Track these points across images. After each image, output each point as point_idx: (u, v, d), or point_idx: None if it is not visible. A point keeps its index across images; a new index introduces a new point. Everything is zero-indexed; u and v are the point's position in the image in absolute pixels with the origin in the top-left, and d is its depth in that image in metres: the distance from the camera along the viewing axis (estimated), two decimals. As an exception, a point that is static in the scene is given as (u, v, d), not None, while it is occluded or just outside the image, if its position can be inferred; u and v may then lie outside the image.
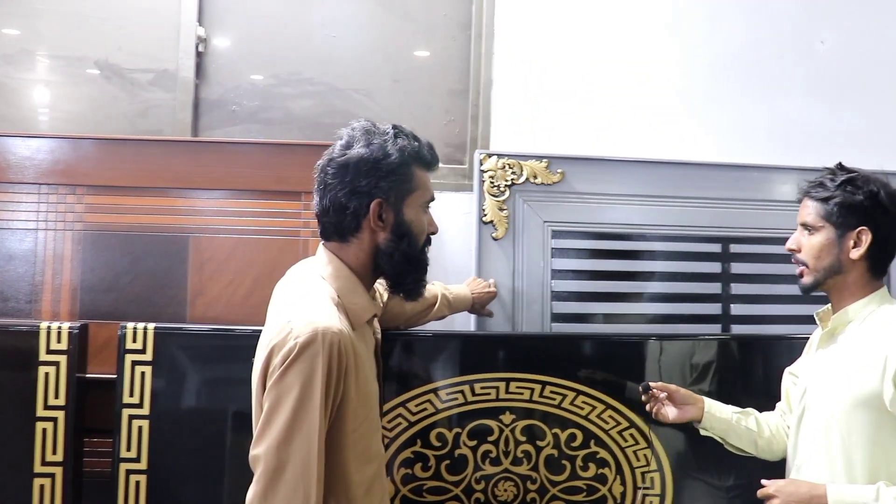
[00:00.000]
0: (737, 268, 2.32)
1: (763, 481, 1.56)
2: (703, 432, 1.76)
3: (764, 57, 2.54)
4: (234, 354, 1.86)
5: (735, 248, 2.32)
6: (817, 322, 1.68)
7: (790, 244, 1.65)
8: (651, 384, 1.76)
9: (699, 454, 2.01)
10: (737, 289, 2.31)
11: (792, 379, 1.77)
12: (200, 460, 1.85)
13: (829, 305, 1.67)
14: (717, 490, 2.03)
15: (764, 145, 2.49)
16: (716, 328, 2.29)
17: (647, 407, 1.78)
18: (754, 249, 2.32)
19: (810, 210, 1.60)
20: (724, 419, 1.74)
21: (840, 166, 1.63)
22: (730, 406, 1.78)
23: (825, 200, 1.58)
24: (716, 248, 2.31)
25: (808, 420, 1.61)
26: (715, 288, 2.30)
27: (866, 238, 1.55)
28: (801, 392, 1.65)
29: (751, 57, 2.54)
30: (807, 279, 1.62)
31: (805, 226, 1.62)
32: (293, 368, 1.24)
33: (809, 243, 1.60)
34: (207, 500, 1.84)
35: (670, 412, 1.75)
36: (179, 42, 2.39)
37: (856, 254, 1.56)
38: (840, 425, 1.52)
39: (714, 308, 2.30)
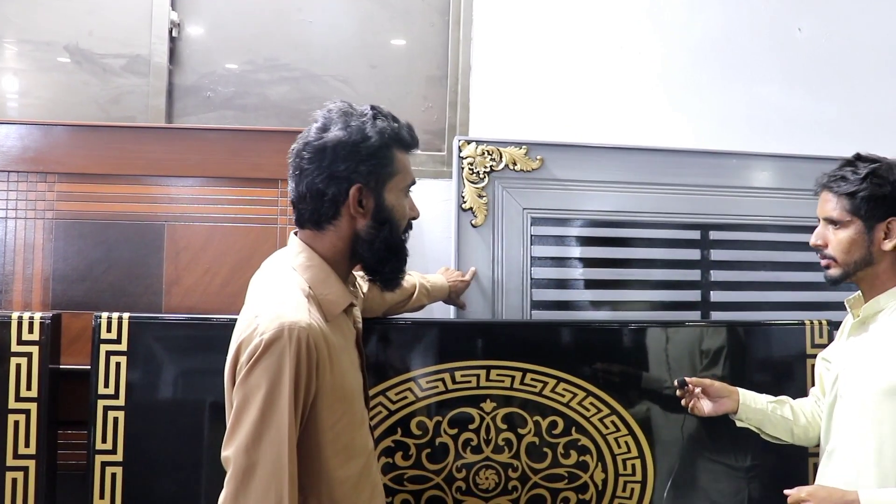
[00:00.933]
0: (716, 254, 2.32)
1: (787, 491, 1.52)
2: (739, 424, 1.76)
3: (743, 44, 2.54)
4: (211, 344, 1.83)
5: (714, 234, 2.32)
6: (848, 309, 1.69)
7: (816, 240, 1.63)
8: (687, 379, 1.74)
9: (680, 440, 2.02)
10: (716, 275, 2.31)
11: (825, 364, 1.76)
12: (178, 451, 1.82)
13: (858, 293, 1.67)
14: (698, 475, 2.04)
15: (743, 132, 2.49)
16: (695, 315, 2.29)
17: (683, 402, 1.77)
18: (733, 236, 2.33)
19: (835, 205, 1.58)
20: (759, 409, 1.73)
21: (859, 156, 1.61)
22: (764, 395, 1.77)
23: (851, 195, 1.56)
24: (695, 234, 2.31)
25: (840, 406, 1.62)
26: (694, 275, 2.31)
27: (888, 230, 1.56)
28: (834, 378, 1.65)
29: (730, 44, 2.54)
30: (835, 272, 1.60)
31: (831, 221, 1.60)
32: (259, 366, 1.19)
33: (837, 238, 1.58)
34: (185, 492, 1.82)
35: (706, 406, 1.74)
36: (152, 27, 2.34)
37: (888, 245, 1.56)
38: (871, 412, 1.53)
39: (693, 295, 2.30)
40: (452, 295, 2.07)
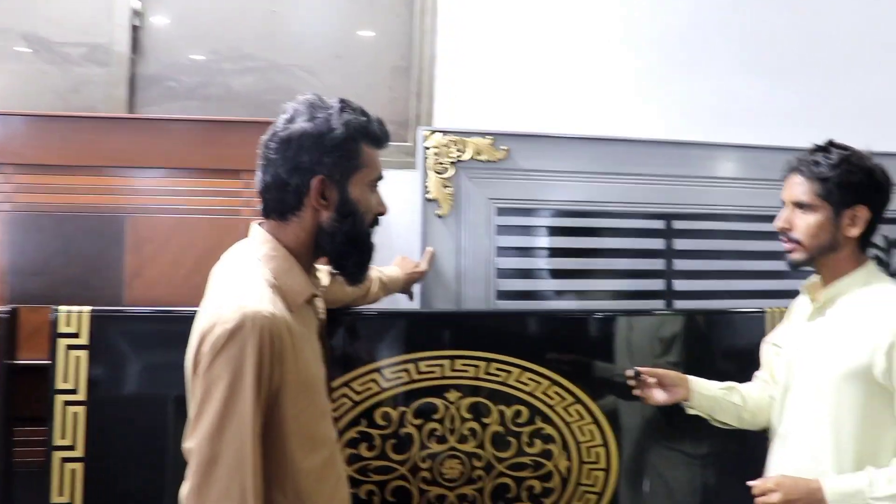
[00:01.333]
0: (680, 244, 2.34)
1: (752, 483, 1.55)
2: (690, 411, 1.77)
3: (707, 35, 2.56)
4: (174, 337, 1.79)
5: (678, 224, 2.34)
6: (804, 294, 1.70)
7: (781, 223, 1.64)
8: (640, 370, 1.75)
9: (643, 427, 2.04)
10: (680, 265, 2.33)
11: (775, 350, 1.79)
12: (141, 446, 1.80)
13: (816, 278, 1.69)
14: (661, 462, 2.06)
15: (708, 122, 2.50)
16: (659, 304, 2.31)
17: (636, 392, 1.77)
18: (697, 226, 2.35)
19: (806, 189, 1.59)
20: (710, 396, 1.75)
21: (832, 143, 1.63)
22: (713, 382, 1.79)
23: (823, 180, 1.57)
24: (659, 224, 2.33)
25: (796, 390, 1.64)
26: (658, 264, 2.33)
27: (863, 216, 1.58)
28: (789, 363, 1.67)
29: (695, 35, 2.55)
30: (799, 255, 1.61)
31: (799, 204, 1.61)
32: (221, 356, 1.19)
33: (805, 222, 1.59)
34: (149, 488, 1.80)
35: (658, 395, 1.75)
36: (113, 15, 2.30)
37: (854, 231, 1.58)
38: (830, 396, 1.55)
39: (657, 284, 2.32)
40: (407, 286, 2.06)
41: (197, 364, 1.22)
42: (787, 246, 1.64)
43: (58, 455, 1.76)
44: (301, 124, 1.31)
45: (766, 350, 1.83)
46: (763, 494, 1.51)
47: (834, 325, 1.60)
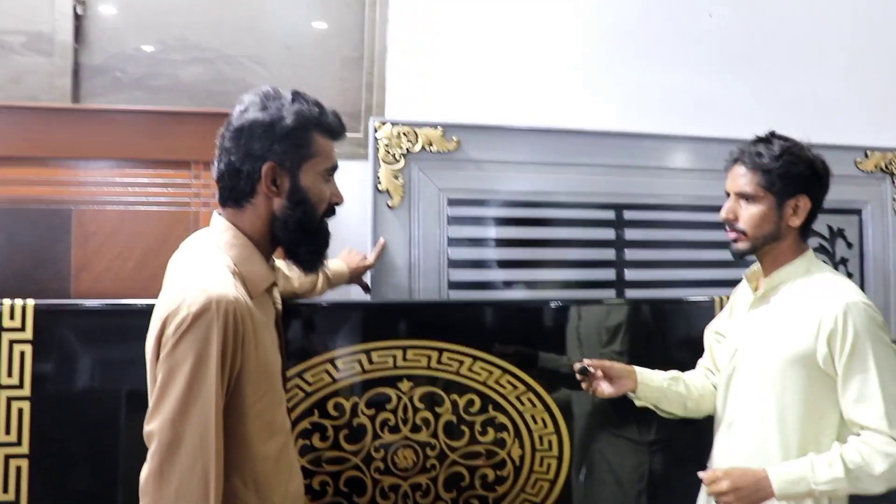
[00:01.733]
0: (630, 234, 2.37)
1: (702, 474, 1.59)
2: (638, 403, 1.81)
3: (657, 28, 2.59)
4: (121, 330, 1.79)
5: (629, 214, 2.37)
6: (746, 283, 1.74)
7: (726, 214, 1.67)
8: (587, 364, 1.77)
9: (594, 415, 2.07)
10: (630, 254, 2.37)
11: (716, 338, 1.82)
12: (88, 443, 1.77)
13: (756, 267, 1.73)
14: (612, 449, 2.09)
15: (657, 115, 2.54)
16: (610, 293, 2.34)
17: (584, 386, 1.80)
18: (647, 216, 2.38)
19: (749, 180, 1.63)
20: (656, 387, 1.78)
21: (773, 134, 1.66)
22: (658, 372, 1.82)
23: (766, 171, 1.61)
24: (610, 214, 2.36)
25: (741, 378, 1.68)
26: (609, 254, 2.36)
27: (804, 205, 1.62)
28: (732, 351, 1.71)
29: (645, 28, 2.58)
30: (743, 245, 1.65)
31: (743, 195, 1.64)
32: (186, 338, 1.20)
33: (749, 213, 1.63)
34: (97, 484, 1.77)
35: (606, 388, 1.77)
36: (55, 3, 2.24)
37: (796, 221, 1.62)
38: (774, 382, 1.59)
39: (608, 273, 2.35)
40: (354, 278, 2.07)
41: (160, 347, 1.23)
42: (731, 235, 1.68)
43: (1, 452, 1.72)
44: (254, 114, 1.35)
45: (709, 338, 1.87)
46: (713, 483, 1.55)
47: (777, 313, 1.64)
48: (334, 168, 1.45)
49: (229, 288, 1.25)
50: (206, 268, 1.30)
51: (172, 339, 1.20)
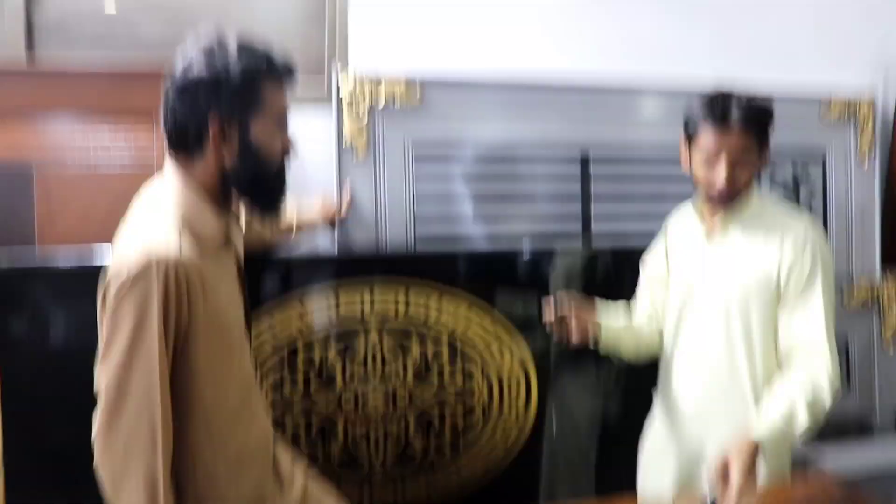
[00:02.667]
0: (597, 188, 2.38)
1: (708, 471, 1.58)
2: (601, 350, 1.87)
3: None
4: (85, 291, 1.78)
5: (596, 168, 2.38)
6: (695, 220, 1.76)
7: (727, 184, 1.62)
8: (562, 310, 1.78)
9: (561, 362, 2.11)
10: (597, 208, 2.38)
11: (657, 282, 1.86)
12: (51, 406, 1.78)
13: (701, 203, 1.75)
14: (580, 392, 2.14)
15: (620, 62, 2.53)
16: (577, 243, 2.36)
17: (556, 336, 1.82)
18: (614, 170, 2.39)
19: (744, 143, 1.61)
20: (616, 329, 1.83)
21: (738, 92, 1.64)
22: (612, 313, 1.85)
23: (756, 131, 1.62)
24: (575, 169, 2.37)
25: (699, 312, 1.72)
26: (575, 208, 2.37)
27: (767, 149, 1.66)
28: (685, 287, 1.75)
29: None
30: (729, 198, 1.65)
31: (738, 157, 1.62)
32: (127, 298, 1.21)
33: (747, 172, 1.64)
34: (64, 448, 1.77)
35: (575, 337, 1.78)
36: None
37: (763, 164, 1.68)
38: (741, 310, 1.65)
39: (575, 227, 2.37)
40: (325, 221, 2.09)
41: (104, 305, 1.25)
42: (722, 194, 1.65)
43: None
44: (199, 72, 1.30)
45: (648, 285, 1.89)
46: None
47: (738, 245, 1.68)
48: (285, 114, 1.41)
49: (173, 247, 1.25)
50: (153, 225, 1.29)
51: (114, 299, 1.22)
